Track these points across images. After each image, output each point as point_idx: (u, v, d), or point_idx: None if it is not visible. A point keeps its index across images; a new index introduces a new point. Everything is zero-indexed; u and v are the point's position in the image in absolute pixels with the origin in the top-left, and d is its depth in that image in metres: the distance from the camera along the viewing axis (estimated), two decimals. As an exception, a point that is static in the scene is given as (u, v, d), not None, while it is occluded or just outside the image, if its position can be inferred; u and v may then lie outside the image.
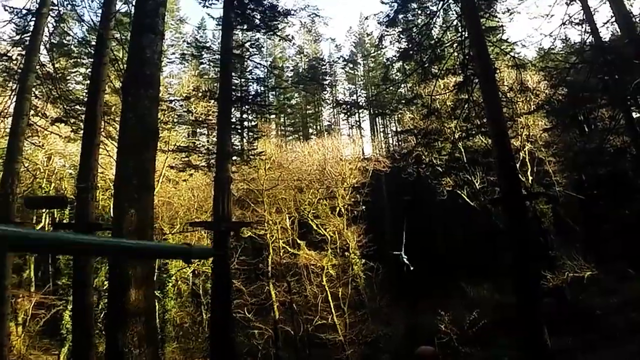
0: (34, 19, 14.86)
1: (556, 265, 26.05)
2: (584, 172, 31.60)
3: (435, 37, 19.62)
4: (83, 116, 15.23)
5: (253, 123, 29.01)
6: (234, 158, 19.22)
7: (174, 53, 50.68)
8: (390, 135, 61.53)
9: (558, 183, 30.15)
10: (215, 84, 27.96)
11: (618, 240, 25.60)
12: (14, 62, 16.45)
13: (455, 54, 18.00)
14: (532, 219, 26.81)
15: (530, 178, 29.39)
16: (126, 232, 7.87)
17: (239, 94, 18.98)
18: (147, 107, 8.72)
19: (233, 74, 18.16)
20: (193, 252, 2.82)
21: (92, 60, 15.91)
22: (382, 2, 19.99)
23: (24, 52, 15.52)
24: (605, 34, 22.36)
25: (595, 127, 29.31)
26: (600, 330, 22.03)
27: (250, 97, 21.17)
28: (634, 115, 16.73)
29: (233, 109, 18.66)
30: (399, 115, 44.33)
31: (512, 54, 19.08)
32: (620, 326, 21.79)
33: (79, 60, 23.41)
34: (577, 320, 22.91)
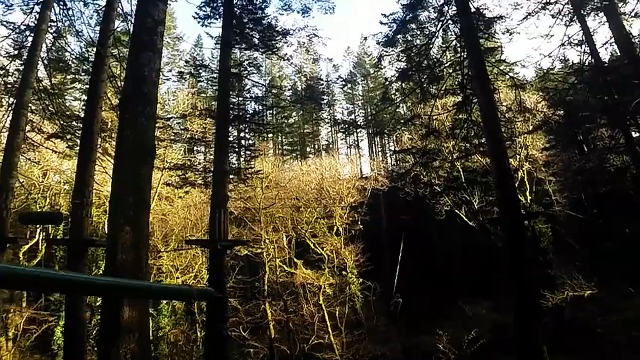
0: (32, 34, 14.86)
1: (556, 284, 25.89)
2: (583, 191, 31.61)
3: (434, 57, 19.66)
4: (79, 132, 15.17)
5: (250, 142, 28.95)
6: (231, 176, 19.09)
7: (170, 70, 50.92)
8: (388, 155, 61.58)
9: (557, 202, 30.13)
10: (213, 102, 28.01)
11: (618, 259, 25.50)
12: (11, 76, 16.43)
13: (454, 74, 18.06)
14: (531, 238, 26.74)
15: (529, 197, 29.39)
16: (121, 249, 7.76)
17: (236, 113, 18.95)
18: (144, 125, 8.66)
19: (231, 92, 18.16)
20: (194, 294, 2.90)
21: (89, 76, 15.87)
22: (381, 23, 20.09)
23: (21, 67, 15.51)
24: (605, 55, 22.50)
25: (595, 147, 29.34)
26: (601, 348, 21.87)
27: (248, 115, 21.17)
28: (634, 134, 16.70)
29: (231, 128, 18.61)
30: (398, 135, 44.50)
31: (511, 74, 19.16)
32: (621, 345, 21.62)
33: (76, 76, 23.38)
34: (576, 339, 22.76)
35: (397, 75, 20.28)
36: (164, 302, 30.10)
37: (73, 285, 2.05)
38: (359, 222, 34.98)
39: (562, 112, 21.08)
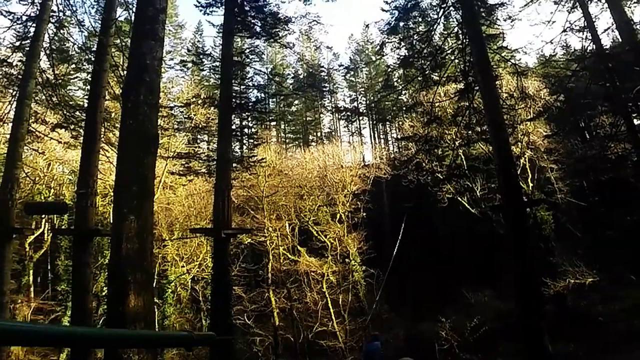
0: (34, 25, 14.86)
1: (557, 271, 25.95)
2: (585, 178, 31.53)
3: (435, 44, 19.61)
4: (83, 122, 15.22)
5: (253, 130, 29.06)
6: (234, 165, 19.16)
7: (172, 59, 50.77)
8: (390, 142, 61.47)
9: (559, 190, 30.10)
10: (216, 91, 27.99)
11: (620, 247, 25.49)
12: (14, 68, 16.46)
13: (456, 61, 18.01)
14: (533, 225, 26.75)
15: (531, 185, 29.37)
16: (125, 238, 7.83)
17: (239, 101, 18.96)
18: (147, 114, 8.69)
19: (233, 80, 18.16)
20: (195, 340, 2.79)
21: (92, 66, 15.89)
22: (383, 10, 20.06)
23: (24, 58, 15.53)
24: (606, 41, 22.37)
25: (597, 134, 29.27)
26: (602, 336, 21.90)
27: (251, 104, 21.14)
28: (635, 122, 16.63)
29: (233, 116, 18.64)
30: (400, 122, 44.40)
31: (512, 61, 19.08)
32: (623, 333, 21.66)
33: (79, 66, 23.41)
34: (578, 326, 22.81)
35: (399, 62, 20.27)
36: (169, 290, 30.37)
37: (72, 338, 2.03)
38: (362, 210, 35.05)
39: (563, 99, 21.03)
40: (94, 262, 17.16)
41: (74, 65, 22.73)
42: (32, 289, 30.13)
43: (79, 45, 19.86)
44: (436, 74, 19.18)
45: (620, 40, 17.04)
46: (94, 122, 14.11)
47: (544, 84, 26.45)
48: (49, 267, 32.87)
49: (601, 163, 22.63)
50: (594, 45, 16.18)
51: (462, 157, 29.36)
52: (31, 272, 30.38)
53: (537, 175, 30.08)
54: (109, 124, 17.74)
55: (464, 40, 16.25)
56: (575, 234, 29.42)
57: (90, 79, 17.43)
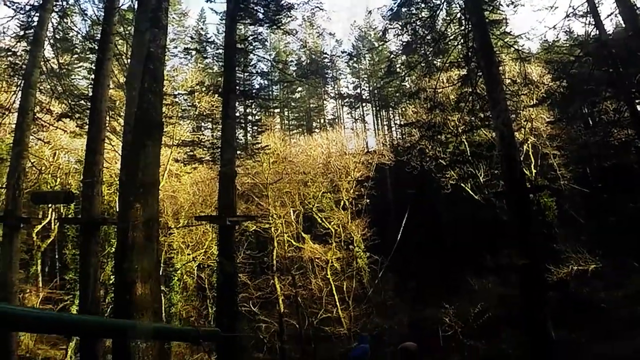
0: (37, 14, 14.91)
1: (560, 258, 25.99)
2: (588, 165, 31.48)
3: (438, 29, 19.56)
4: (88, 111, 15.30)
5: (257, 117, 29.05)
6: (239, 152, 19.24)
7: (176, 47, 50.62)
8: (394, 129, 61.37)
9: (562, 176, 30.07)
10: (219, 78, 27.98)
11: (623, 233, 25.49)
12: (19, 57, 16.52)
13: (459, 46, 17.98)
14: (536, 212, 26.76)
15: (534, 171, 29.34)
16: (132, 226, 7.95)
17: (243, 88, 19.01)
18: (151, 102, 8.80)
19: (237, 68, 18.19)
20: (201, 335, 2.93)
21: (96, 55, 15.94)
22: (386, -4, 19.98)
23: (28, 48, 15.59)
24: (609, 26, 22.22)
25: (600, 120, 29.19)
26: (605, 323, 21.96)
27: (254, 91, 21.21)
28: (639, 107, 16.59)
29: (237, 104, 18.69)
30: (403, 109, 44.32)
31: (515, 46, 19.03)
32: (626, 319, 21.71)
33: (83, 55, 23.45)
34: (581, 313, 22.86)
35: (402, 48, 20.22)
36: (176, 278, 30.59)
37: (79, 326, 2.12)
38: (365, 197, 35.13)
39: (566, 85, 20.96)
40: (100, 250, 17.32)
41: (77, 55, 22.76)
42: (40, 278, 30.41)
43: (83, 35, 19.89)
44: (439, 60, 19.17)
45: (623, 25, 16.97)
46: (98, 111, 14.21)
47: (547, 70, 26.30)
48: (56, 257, 33.15)
49: (604, 149, 22.62)
50: (597, 31, 16.11)
51: (466, 143, 29.38)
52: (39, 261, 30.65)
53: (540, 162, 30.03)
54: (113, 112, 17.85)
55: (467, 26, 16.22)
56: (578, 220, 29.42)
57: (94, 67, 17.48)
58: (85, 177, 14.05)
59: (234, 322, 14.97)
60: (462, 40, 16.94)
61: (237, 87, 17.99)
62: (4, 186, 14.62)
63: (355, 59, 64.79)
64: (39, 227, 28.33)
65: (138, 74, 9.06)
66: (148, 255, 7.99)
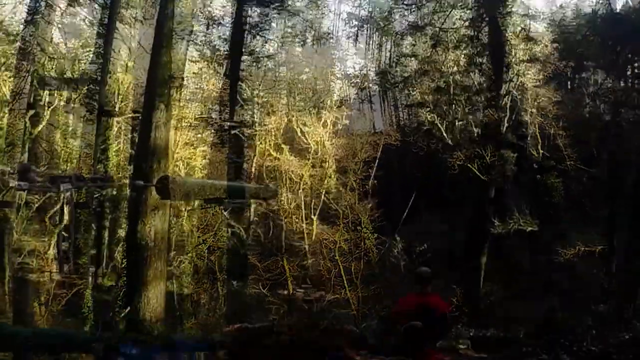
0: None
1: (566, 238, 26.04)
2: (595, 146, 31.26)
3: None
4: (97, 95, 15.41)
5: (264, 99, 29.02)
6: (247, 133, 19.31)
7: (183, 30, 50.40)
8: (400, 109, 61.03)
9: (569, 157, 29.85)
10: (227, 60, 27.95)
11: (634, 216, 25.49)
12: (27, 43, 16.60)
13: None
14: (542, 193, 26.77)
15: (542, 152, 29.19)
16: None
17: (249, 70, 19.01)
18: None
19: (243, 50, 18.21)
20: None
21: (103, 39, 16.00)
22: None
23: (36, 33, 15.66)
24: (617, 4, 21.98)
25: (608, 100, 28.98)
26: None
27: (262, 72, 21.17)
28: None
29: (244, 85, 18.72)
30: (409, 89, 44.09)
31: (522, 25, 18.84)
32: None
33: (90, 39, 23.46)
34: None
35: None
36: (186, 261, 30.80)
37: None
38: (373, 178, 35.06)
39: (573, 65, 20.84)
40: (112, 234, 17.58)
41: (85, 39, 22.78)
42: (53, 262, 30.64)
43: (90, 19, 19.87)
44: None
45: (631, 4, 16.81)
46: (106, 95, 14.31)
47: (554, 48, 26.08)
48: (70, 241, 33.35)
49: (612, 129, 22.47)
50: (605, 10, 15.96)
51: (472, 123, 29.29)
52: (52, 246, 30.86)
53: (547, 142, 29.84)
54: (121, 96, 17.95)
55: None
56: (585, 202, 29.36)
57: (102, 52, 17.54)
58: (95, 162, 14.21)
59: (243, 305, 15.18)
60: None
61: (244, 69, 18.03)
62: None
63: (361, 39, 64.31)
64: (52, 211, 28.47)
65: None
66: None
